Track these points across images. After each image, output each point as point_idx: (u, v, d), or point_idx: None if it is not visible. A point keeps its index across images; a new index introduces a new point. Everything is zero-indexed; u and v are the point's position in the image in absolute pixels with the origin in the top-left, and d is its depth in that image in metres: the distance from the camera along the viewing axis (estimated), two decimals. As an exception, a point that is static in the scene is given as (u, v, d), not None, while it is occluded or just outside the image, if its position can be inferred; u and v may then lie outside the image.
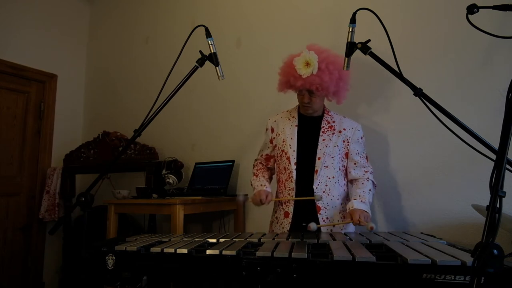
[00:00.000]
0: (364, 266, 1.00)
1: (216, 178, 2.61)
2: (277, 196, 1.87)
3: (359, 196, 1.68)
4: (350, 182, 1.83)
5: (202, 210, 2.38)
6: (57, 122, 3.53)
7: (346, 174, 1.83)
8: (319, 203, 1.71)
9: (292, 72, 1.68)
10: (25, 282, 3.21)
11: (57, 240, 3.29)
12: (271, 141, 1.90)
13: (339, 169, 1.78)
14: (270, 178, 1.96)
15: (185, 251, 1.21)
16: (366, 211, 1.62)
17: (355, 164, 1.78)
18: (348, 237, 1.42)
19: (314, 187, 1.72)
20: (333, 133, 1.78)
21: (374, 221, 2.12)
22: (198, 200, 2.35)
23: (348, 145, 1.78)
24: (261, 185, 1.82)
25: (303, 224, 1.71)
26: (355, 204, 1.64)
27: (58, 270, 3.34)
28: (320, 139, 1.77)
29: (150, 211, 2.69)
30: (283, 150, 1.81)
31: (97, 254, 1.31)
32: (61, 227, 3.19)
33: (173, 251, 1.22)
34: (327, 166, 1.74)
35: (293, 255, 1.08)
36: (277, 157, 1.86)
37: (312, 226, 1.55)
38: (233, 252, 1.15)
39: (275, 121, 1.90)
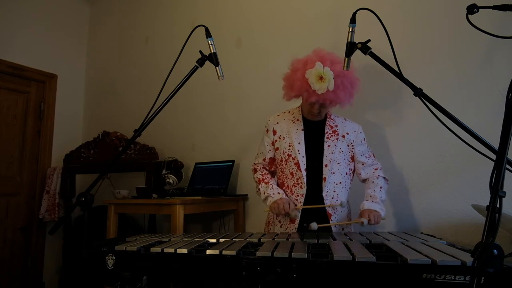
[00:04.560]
0: (364, 266, 1.00)
1: (216, 178, 2.61)
2: None
3: (370, 196, 1.70)
4: (363, 181, 1.83)
5: (202, 210, 2.38)
6: (57, 122, 3.53)
7: (353, 177, 1.84)
8: (329, 210, 1.71)
9: (305, 87, 1.60)
10: (25, 282, 3.20)
11: (57, 240, 3.29)
12: (272, 144, 1.84)
13: (346, 174, 1.78)
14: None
15: (185, 251, 1.21)
16: (376, 211, 1.62)
17: (363, 164, 1.79)
18: (348, 237, 1.42)
19: (324, 194, 1.71)
20: (337, 138, 1.76)
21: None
22: (198, 200, 2.35)
23: (352, 148, 1.79)
24: (278, 193, 1.72)
25: (304, 225, 1.71)
26: (366, 204, 1.67)
27: (58, 270, 3.34)
28: (325, 145, 1.75)
29: (150, 211, 2.69)
30: (289, 155, 1.76)
31: (97, 254, 1.31)
32: (61, 227, 3.19)
33: (173, 251, 1.22)
34: (334, 173, 1.73)
35: (293, 255, 1.08)
36: (281, 161, 1.80)
37: (313, 225, 1.55)
38: (233, 252, 1.14)
39: (277, 122, 1.83)
